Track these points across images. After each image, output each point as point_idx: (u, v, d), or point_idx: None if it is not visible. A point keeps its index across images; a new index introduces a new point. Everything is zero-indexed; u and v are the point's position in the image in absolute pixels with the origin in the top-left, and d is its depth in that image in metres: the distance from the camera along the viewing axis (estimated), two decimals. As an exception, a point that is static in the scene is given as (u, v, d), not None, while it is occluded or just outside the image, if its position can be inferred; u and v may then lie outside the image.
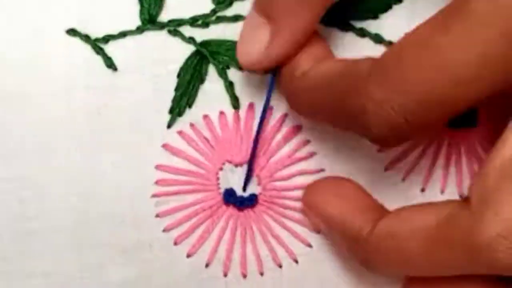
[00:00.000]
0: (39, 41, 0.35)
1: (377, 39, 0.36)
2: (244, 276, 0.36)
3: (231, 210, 0.37)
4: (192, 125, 0.36)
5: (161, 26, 0.36)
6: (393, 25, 0.36)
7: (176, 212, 0.36)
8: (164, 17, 0.36)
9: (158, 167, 0.36)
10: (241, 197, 0.36)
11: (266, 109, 0.35)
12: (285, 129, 0.37)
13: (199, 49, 0.36)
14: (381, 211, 0.33)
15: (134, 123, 0.36)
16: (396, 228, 0.31)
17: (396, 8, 0.36)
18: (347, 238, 0.33)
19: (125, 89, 0.36)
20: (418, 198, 0.37)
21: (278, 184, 0.37)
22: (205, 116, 0.37)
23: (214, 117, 0.37)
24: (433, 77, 0.27)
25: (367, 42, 0.36)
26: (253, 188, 0.37)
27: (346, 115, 0.30)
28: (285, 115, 0.37)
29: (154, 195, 0.36)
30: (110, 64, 0.36)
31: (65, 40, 0.35)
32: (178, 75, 0.36)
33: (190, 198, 0.37)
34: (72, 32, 0.35)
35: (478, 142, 0.37)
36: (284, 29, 0.32)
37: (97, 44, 0.35)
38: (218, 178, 0.37)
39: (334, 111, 0.30)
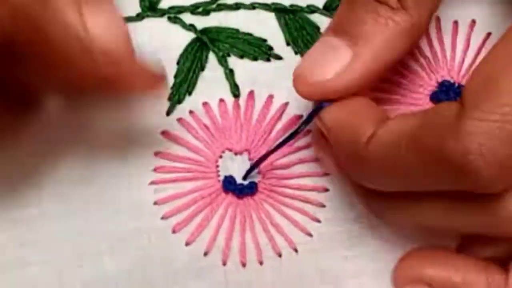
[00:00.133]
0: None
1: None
2: (243, 264, 0.36)
3: (230, 197, 0.36)
4: (191, 112, 0.36)
5: (162, 13, 0.36)
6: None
7: (174, 199, 0.36)
8: (164, 4, 0.36)
9: (156, 154, 0.36)
10: (241, 184, 0.36)
11: (300, 131, 0.34)
12: (285, 118, 0.37)
13: (199, 37, 0.36)
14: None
15: (133, 110, 0.36)
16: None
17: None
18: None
19: (125, 76, 0.36)
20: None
21: (279, 172, 0.37)
22: (205, 104, 0.36)
23: (214, 104, 0.36)
24: None
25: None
26: (253, 176, 0.36)
27: (443, 169, 0.27)
28: (286, 104, 0.37)
29: (152, 182, 0.36)
30: (110, 50, 0.35)
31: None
32: (178, 62, 0.36)
33: (189, 185, 0.36)
34: (72, 18, 0.35)
35: None
36: (368, 54, 0.31)
37: (97, 30, 0.35)
38: (217, 166, 0.36)
39: (425, 169, 0.28)
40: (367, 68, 0.31)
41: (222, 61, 0.36)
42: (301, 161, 0.37)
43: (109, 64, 0.28)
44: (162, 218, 0.36)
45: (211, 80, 0.36)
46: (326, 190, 0.37)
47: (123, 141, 0.36)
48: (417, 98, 0.37)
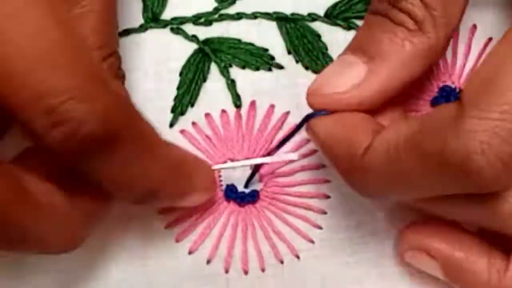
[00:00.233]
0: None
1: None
2: (246, 272, 0.36)
3: (232, 206, 0.37)
4: (194, 124, 0.37)
5: (164, 24, 0.37)
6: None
7: (178, 209, 0.37)
8: (167, 15, 0.37)
9: (160, 164, 0.36)
10: (242, 193, 0.37)
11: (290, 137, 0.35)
12: (286, 128, 0.37)
13: (202, 47, 0.37)
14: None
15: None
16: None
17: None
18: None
19: (128, 87, 0.36)
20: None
21: (280, 180, 0.37)
22: (207, 115, 0.37)
23: (216, 115, 0.37)
24: None
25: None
26: (255, 184, 0.37)
27: (445, 172, 0.27)
28: (287, 113, 0.37)
29: (156, 192, 0.36)
30: (113, 62, 0.36)
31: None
32: (180, 74, 0.37)
33: (192, 194, 0.37)
34: (76, 30, 0.35)
35: None
36: (383, 72, 0.31)
37: (100, 42, 0.36)
38: (220, 176, 0.37)
39: (426, 174, 0.28)
40: (382, 84, 0.31)
41: (224, 72, 0.37)
42: (303, 169, 0.37)
43: None
44: (166, 227, 0.36)
45: (213, 91, 0.37)
46: (328, 197, 0.37)
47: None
48: (418, 104, 0.37)
